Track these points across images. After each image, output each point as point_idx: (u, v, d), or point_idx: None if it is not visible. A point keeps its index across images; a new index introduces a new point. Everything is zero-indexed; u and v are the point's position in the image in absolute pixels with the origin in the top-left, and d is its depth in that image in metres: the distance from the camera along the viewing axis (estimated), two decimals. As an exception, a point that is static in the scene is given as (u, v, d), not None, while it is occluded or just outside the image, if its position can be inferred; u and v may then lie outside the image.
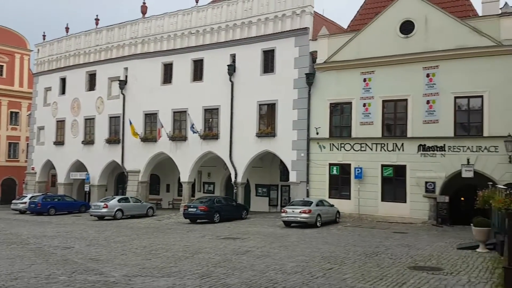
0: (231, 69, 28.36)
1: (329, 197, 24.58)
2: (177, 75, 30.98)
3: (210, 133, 29.33)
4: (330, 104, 25.34)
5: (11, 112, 46.93)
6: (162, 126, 30.41)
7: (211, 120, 29.73)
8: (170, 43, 31.48)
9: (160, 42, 31.94)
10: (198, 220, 24.09)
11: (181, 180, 30.78)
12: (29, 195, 33.75)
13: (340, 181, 24.94)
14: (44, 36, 40.15)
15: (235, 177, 28.22)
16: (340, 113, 25.30)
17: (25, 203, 32.31)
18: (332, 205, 23.33)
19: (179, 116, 30.82)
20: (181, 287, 9.51)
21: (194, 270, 11.24)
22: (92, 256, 13.23)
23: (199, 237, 17.99)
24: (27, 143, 43.25)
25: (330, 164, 25.15)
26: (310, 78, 25.59)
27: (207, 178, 33.82)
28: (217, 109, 29.17)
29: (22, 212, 32.09)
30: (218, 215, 24.07)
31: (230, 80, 28.43)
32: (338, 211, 23.34)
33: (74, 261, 12.44)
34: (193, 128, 28.79)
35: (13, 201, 34.75)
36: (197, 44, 30.25)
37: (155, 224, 24.08)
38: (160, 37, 31.93)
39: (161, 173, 35.34)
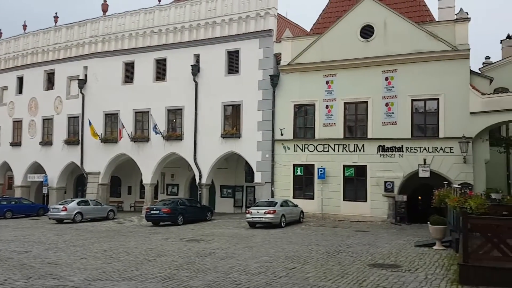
0: (195, 69, 28.19)
1: (293, 198, 24.87)
2: (139, 74, 30.49)
3: (173, 134, 29.03)
4: (294, 105, 25.66)
5: (-37, 112, 44.56)
6: (123, 127, 29.82)
7: (174, 120, 29.44)
8: (132, 42, 30.95)
9: (122, 41, 31.34)
10: (161, 223, 23.76)
11: (144, 182, 30.32)
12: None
13: (304, 182, 25.29)
14: (0, 33, 38.52)
15: (200, 179, 28.07)
16: (304, 114, 25.66)
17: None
18: (296, 205, 23.61)
19: (141, 117, 30.34)
20: (143, 290, 9.38)
21: (157, 273, 11.10)
22: (51, 261, 12.82)
23: (162, 239, 17.77)
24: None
25: (294, 165, 25.46)
26: (274, 80, 25.81)
27: (171, 180, 33.45)
28: (181, 109, 28.92)
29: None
30: (181, 217, 23.85)
31: (194, 81, 28.25)
32: (302, 211, 23.65)
33: (31, 265, 12.03)
34: (156, 128, 28.41)
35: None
36: (159, 43, 29.88)
37: (116, 227, 23.58)
38: (121, 35, 31.33)
39: (122, 175, 34.64)
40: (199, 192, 28.21)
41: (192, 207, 25.32)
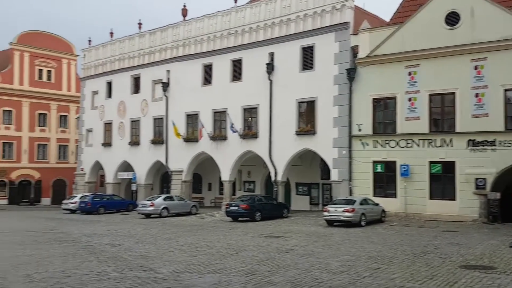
0: (270, 67, 28.36)
1: (374, 196, 24.05)
2: (217, 75, 31.33)
3: (249, 132, 29.47)
4: (373, 99, 24.80)
5: (60, 116, 49.04)
6: (203, 127, 30.87)
7: (250, 119, 29.85)
8: (210, 45, 31.86)
9: (200, 44, 32.40)
10: (240, 218, 24.26)
11: (222, 179, 31.12)
12: (79, 195, 35.14)
13: (385, 179, 24.35)
14: (89, 41, 41.66)
15: (275, 176, 28.21)
16: (383, 108, 24.72)
17: (75, 202, 33.62)
18: (377, 204, 22.81)
19: (219, 116, 31.16)
20: (227, 283, 9.60)
21: (239, 267, 11.31)
22: (141, 253, 13.59)
23: (242, 235, 18.10)
24: (76, 145, 45.06)
25: (374, 162, 24.61)
26: (351, 74, 25.16)
27: (247, 177, 34.02)
28: (256, 108, 29.27)
29: (72, 211, 33.39)
30: (259, 213, 24.13)
31: (269, 79, 28.43)
32: (383, 210, 22.82)
33: (124, 258, 12.83)
34: (233, 127, 29.03)
35: (64, 201, 36.18)
36: (235, 44, 30.45)
37: (198, 222, 24.46)
38: (200, 39, 32.39)
39: (203, 172, 35.89)
40: (274, 189, 28.36)
41: (269, 203, 25.55)
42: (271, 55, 28.77)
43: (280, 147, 27.82)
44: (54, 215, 31.64)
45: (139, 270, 11.02)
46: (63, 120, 49.34)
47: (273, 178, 28.48)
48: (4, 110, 45.01)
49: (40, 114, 47.41)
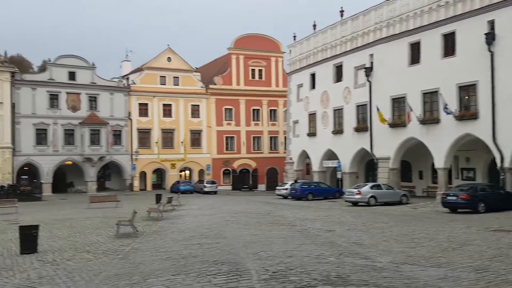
0: (490, 37, 24.72)
1: None
2: (426, 53, 28.98)
3: (466, 113, 26.38)
4: None
5: (270, 110, 53.47)
6: (411, 110, 29.01)
7: (467, 98, 26.69)
8: (417, 21, 29.60)
9: (406, 22, 30.42)
10: (459, 210, 21.97)
11: (436, 166, 28.73)
12: (289, 182, 37.48)
13: None
14: (294, 37, 43.74)
15: (501, 162, 24.55)
16: None
17: (286, 189, 36.03)
18: None
19: (430, 97, 28.80)
20: (455, 279, 8.64)
21: (466, 262, 10.12)
22: (354, 240, 13.47)
23: (464, 227, 16.27)
24: (285, 136, 48.42)
25: None
26: None
27: (466, 164, 30.55)
28: (474, 85, 25.96)
29: (284, 197, 35.86)
30: (483, 204, 21.44)
31: (489, 51, 24.83)
32: None
33: (338, 243, 12.90)
34: (447, 109, 26.42)
35: (277, 187, 39.33)
36: (446, 16, 27.55)
37: (410, 212, 23.16)
38: (405, 16, 30.41)
39: (412, 159, 33.86)
40: (501, 177, 24.70)
41: (495, 193, 22.53)
42: (491, 23, 25.05)
43: (507, 128, 24.06)
44: (269, 199, 34.51)
45: (355, 257, 10.89)
46: (272, 114, 53.68)
47: (498, 164, 24.88)
48: (225, 109, 51.45)
49: (254, 110, 52.62)
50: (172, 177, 48.70)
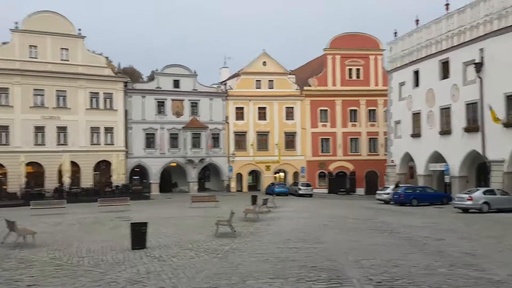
0: None
1: None
2: (548, 45, 25.78)
3: None
4: None
5: (369, 110, 51.48)
6: (532, 108, 25.91)
7: None
8: (536, 9, 26.54)
9: (522, 11, 27.42)
10: None
11: None
12: (391, 186, 35.68)
13: None
14: (395, 33, 41.73)
15: None
16: None
17: (388, 193, 34.32)
18: None
19: (554, 94, 25.53)
20: None
21: None
22: (467, 251, 12.31)
23: None
24: (385, 138, 46.23)
25: None
26: None
27: None
28: None
29: (386, 202, 34.20)
30: None
31: None
32: None
33: (448, 253, 11.89)
34: None
35: (377, 192, 37.61)
36: None
37: (531, 221, 20.70)
38: (521, 5, 27.45)
39: (533, 163, 30.26)
40: None
41: None
42: None
43: None
44: (369, 204, 33.19)
45: (468, 268, 9.91)
46: (371, 114, 51.59)
47: None
48: (320, 110, 50.72)
49: (351, 110, 51.07)
50: (267, 179, 49.31)
